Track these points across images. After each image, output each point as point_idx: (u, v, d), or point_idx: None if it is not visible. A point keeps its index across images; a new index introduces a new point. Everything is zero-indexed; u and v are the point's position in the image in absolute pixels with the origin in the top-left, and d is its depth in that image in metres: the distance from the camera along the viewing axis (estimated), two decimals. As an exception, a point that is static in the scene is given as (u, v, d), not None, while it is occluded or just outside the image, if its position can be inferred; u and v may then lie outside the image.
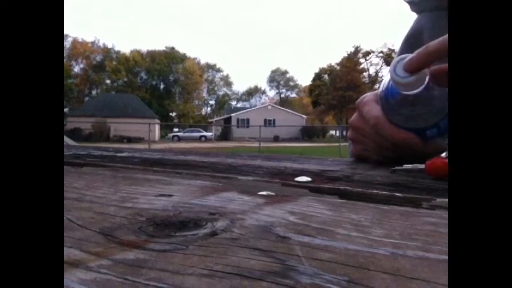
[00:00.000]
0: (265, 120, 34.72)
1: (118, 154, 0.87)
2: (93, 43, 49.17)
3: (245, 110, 37.79)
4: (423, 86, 0.51)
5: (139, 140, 24.14)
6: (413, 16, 0.78)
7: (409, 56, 0.50)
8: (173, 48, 51.19)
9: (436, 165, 0.48)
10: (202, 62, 56.13)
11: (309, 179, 0.47)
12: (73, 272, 0.19)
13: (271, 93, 60.32)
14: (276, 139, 29.83)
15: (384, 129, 0.56)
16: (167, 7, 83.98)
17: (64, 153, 0.85)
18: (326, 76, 42.36)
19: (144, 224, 0.28)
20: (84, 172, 0.58)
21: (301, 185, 0.44)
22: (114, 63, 46.82)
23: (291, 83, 60.22)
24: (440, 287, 0.17)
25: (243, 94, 59.55)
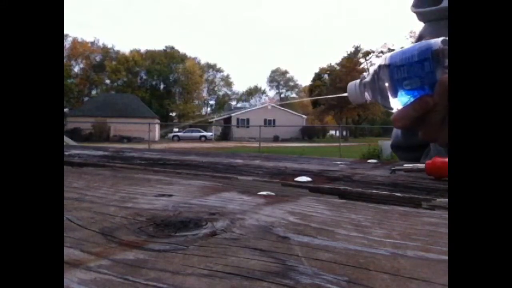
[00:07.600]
0: (265, 120, 34.68)
1: (118, 154, 0.87)
2: (93, 43, 49.14)
3: (245, 110, 37.74)
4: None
5: (139, 140, 24.13)
6: (415, 17, 0.79)
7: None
8: (173, 48, 51.13)
9: (436, 165, 0.48)
10: (202, 62, 56.10)
11: (309, 179, 0.47)
12: (73, 272, 0.19)
13: (271, 93, 60.28)
14: (276, 139, 29.81)
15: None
16: (167, 7, 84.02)
17: (64, 153, 0.85)
18: (326, 76, 42.30)
19: (144, 224, 0.28)
20: (84, 172, 0.58)
21: (301, 185, 0.44)
22: (114, 63, 46.74)
23: (291, 83, 60.19)
24: (440, 287, 0.17)
25: (243, 94, 59.51)
